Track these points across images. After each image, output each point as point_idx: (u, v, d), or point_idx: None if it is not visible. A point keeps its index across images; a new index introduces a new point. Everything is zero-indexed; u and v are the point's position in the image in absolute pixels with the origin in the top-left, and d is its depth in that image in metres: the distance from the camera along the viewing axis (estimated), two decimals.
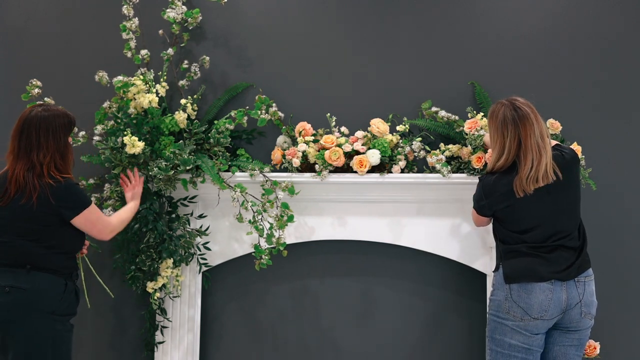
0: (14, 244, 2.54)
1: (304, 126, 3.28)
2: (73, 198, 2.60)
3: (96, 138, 3.25)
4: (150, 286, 3.16)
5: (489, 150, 3.07)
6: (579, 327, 2.64)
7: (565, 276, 2.59)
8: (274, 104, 3.30)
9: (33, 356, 2.48)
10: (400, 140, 3.26)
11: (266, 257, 3.07)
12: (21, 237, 2.54)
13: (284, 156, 3.25)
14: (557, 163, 2.61)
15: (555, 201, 2.62)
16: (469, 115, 3.21)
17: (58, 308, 2.53)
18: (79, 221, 2.63)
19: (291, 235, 3.27)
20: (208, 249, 3.30)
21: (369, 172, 3.18)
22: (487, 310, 2.74)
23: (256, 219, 3.10)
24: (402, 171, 3.23)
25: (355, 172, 3.18)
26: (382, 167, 3.21)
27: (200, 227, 3.31)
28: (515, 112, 2.61)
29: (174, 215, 3.26)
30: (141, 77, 3.22)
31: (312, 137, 3.25)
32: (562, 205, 2.63)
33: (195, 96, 3.35)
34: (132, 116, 3.16)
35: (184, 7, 3.35)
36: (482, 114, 3.20)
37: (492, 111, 2.69)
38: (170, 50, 3.33)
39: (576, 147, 3.08)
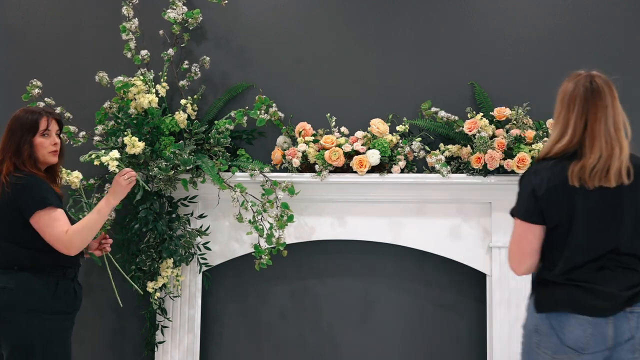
0: (1, 246, 2.53)
1: (304, 126, 3.29)
2: (27, 196, 2.47)
3: (96, 138, 3.26)
4: (150, 286, 3.16)
5: (489, 150, 3.07)
6: None
7: (613, 306, 2.03)
8: (274, 104, 3.31)
9: (21, 355, 2.48)
10: (400, 141, 3.26)
11: (266, 257, 3.07)
12: (4, 239, 2.52)
13: (284, 156, 3.26)
14: (633, 165, 2.08)
15: (622, 209, 2.06)
16: (469, 115, 3.21)
17: (47, 307, 2.50)
18: (33, 222, 2.47)
19: (291, 235, 3.28)
20: (208, 248, 3.31)
21: (368, 172, 3.19)
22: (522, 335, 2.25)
23: (256, 219, 3.11)
24: (402, 171, 3.23)
25: (355, 172, 3.18)
26: (382, 167, 3.22)
27: (201, 227, 3.31)
28: (590, 85, 2.10)
29: (174, 215, 3.26)
30: (141, 77, 3.22)
31: (312, 137, 3.26)
32: (629, 215, 2.07)
33: (195, 96, 3.35)
34: (132, 116, 3.17)
35: (184, 7, 3.35)
36: (481, 114, 3.20)
37: (563, 83, 2.18)
38: (170, 51, 3.34)
39: None
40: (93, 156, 2.71)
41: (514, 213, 2.15)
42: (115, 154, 2.68)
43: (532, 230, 2.10)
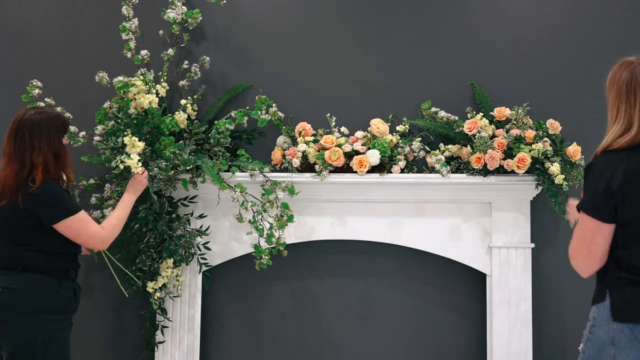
0: (3, 247, 2.53)
1: (304, 126, 3.29)
2: (53, 203, 2.52)
3: (96, 138, 3.25)
4: (150, 286, 3.16)
5: (489, 150, 3.07)
6: None
7: None
8: (274, 104, 3.31)
9: (22, 355, 2.48)
10: (400, 141, 3.26)
11: (266, 257, 3.07)
12: (9, 240, 2.52)
13: (284, 156, 3.26)
14: None
15: None
16: (469, 115, 3.21)
17: (49, 307, 2.52)
18: (60, 228, 2.54)
19: (291, 235, 3.28)
20: (208, 248, 3.31)
21: (368, 172, 3.19)
22: (580, 347, 2.02)
23: (256, 219, 3.11)
24: (402, 171, 3.23)
25: (355, 172, 3.18)
26: (382, 167, 3.22)
27: (201, 227, 3.31)
28: None
29: (174, 215, 3.26)
30: (141, 77, 3.22)
31: (312, 137, 3.26)
32: None
33: (195, 96, 3.35)
34: (132, 116, 3.17)
35: (184, 7, 3.35)
36: (481, 114, 3.20)
37: (614, 73, 2.01)
38: (170, 51, 3.34)
39: (576, 147, 3.09)
40: (119, 162, 2.94)
41: (582, 207, 1.95)
42: (136, 157, 2.91)
43: (602, 231, 1.92)
